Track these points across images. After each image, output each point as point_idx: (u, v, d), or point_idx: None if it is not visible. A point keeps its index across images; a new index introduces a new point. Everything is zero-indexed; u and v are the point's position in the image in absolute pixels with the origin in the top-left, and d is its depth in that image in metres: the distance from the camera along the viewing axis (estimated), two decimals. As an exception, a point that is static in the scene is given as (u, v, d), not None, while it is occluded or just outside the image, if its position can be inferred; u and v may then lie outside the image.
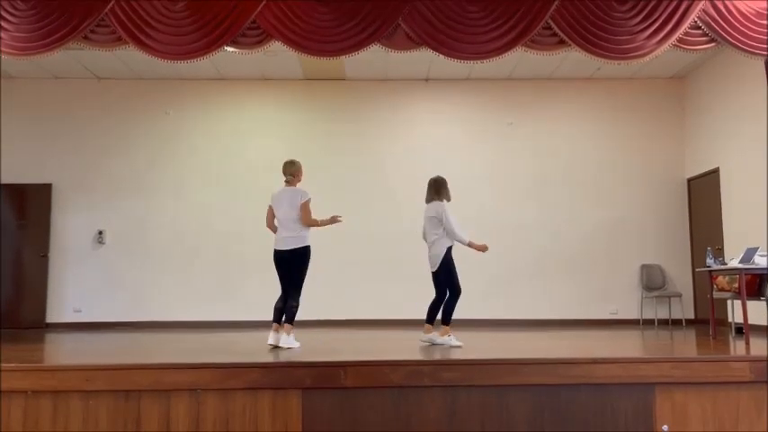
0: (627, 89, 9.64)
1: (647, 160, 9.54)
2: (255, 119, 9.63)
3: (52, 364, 4.48)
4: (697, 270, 8.52)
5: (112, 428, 4.13)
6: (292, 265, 5.67)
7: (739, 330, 6.87)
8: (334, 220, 5.86)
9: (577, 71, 9.25)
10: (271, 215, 5.85)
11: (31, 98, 9.44)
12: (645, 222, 9.44)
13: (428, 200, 6.16)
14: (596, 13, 6.37)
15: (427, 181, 6.23)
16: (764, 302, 6.40)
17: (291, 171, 5.89)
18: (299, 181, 5.94)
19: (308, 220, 5.69)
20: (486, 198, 9.44)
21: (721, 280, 6.58)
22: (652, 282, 9.21)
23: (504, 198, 9.47)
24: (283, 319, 5.62)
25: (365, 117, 9.61)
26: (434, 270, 5.96)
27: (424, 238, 6.17)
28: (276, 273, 5.77)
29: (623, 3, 6.40)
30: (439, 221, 5.94)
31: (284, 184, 5.90)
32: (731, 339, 6.38)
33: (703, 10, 6.34)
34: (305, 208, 5.70)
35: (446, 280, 5.95)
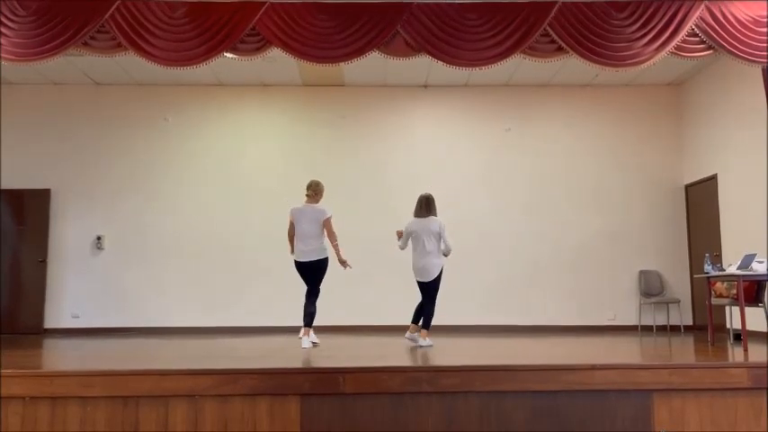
0: (625, 96, 9.67)
1: (645, 166, 9.57)
2: (254, 125, 9.65)
3: (50, 370, 4.46)
4: (695, 276, 8.52)
5: (110, 434, 4.12)
6: (316, 273, 6.44)
7: (737, 337, 6.87)
8: (343, 263, 6.53)
9: (575, 78, 9.28)
10: (292, 227, 6.53)
11: (29, 104, 9.46)
12: (643, 228, 9.45)
13: (426, 215, 6.57)
14: (594, 21, 6.41)
15: (421, 197, 6.67)
16: (762, 309, 6.41)
17: (317, 189, 6.59)
18: (321, 199, 6.61)
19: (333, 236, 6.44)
20: (484, 204, 9.46)
21: (719, 286, 6.58)
22: (650, 288, 9.22)
23: (503, 204, 9.48)
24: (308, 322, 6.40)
25: (364, 123, 9.63)
26: (430, 280, 6.46)
27: (405, 247, 6.67)
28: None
29: (621, 10, 6.44)
30: (440, 236, 6.46)
31: (306, 199, 6.54)
32: (729, 346, 6.39)
33: (701, 17, 6.38)
34: (330, 225, 6.46)
35: (437, 288, 6.53)
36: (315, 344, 6.39)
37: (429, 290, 6.50)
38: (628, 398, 4.31)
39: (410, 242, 6.63)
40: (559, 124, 9.67)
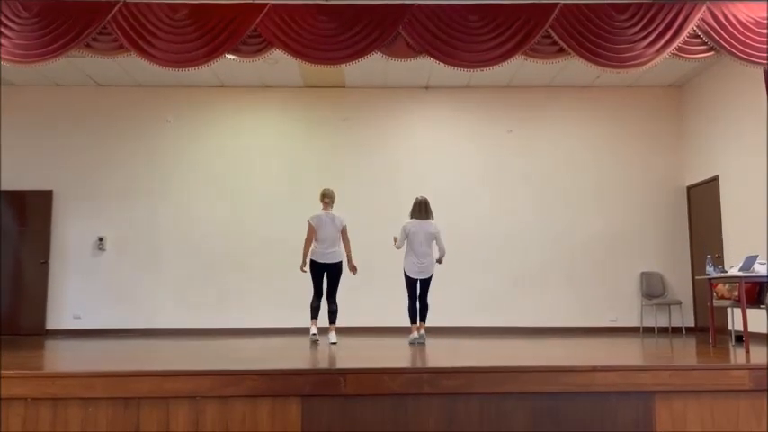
0: (626, 97, 9.67)
1: (647, 168, 9.56)
2: (255, 126, 9.66)
3: (52, 371, 4.48)
4: (697, 278, 8.53)
5: (112, 435, 4.13)
6: (336, 274, 6.92)
7: (739, 338, 6.86)
8: (353, 268, 7.04)
9: (577, 79, 9.28)
10: (312, 235, 6.92)
11: (32, 105, 9.48)
12: (645, 230, 9.45)
13: (425, 217, 6.94)
14: (596, 22, 6.41)
15: (419, 200, 7.02)
16: (764, 310, 6.40)
17: (333, 198, 7.02)
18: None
19: (347, 242, 6.96)
20: (485, 205, 9.46)
21: (721, 288, 6.58)
22: (652, 289, 9.21)
23: (504, 206, 9.48)
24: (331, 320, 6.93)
25: (365, 124, 9.63)
26: (429, 276, 6.91)
27: (420, 249, 6.90)
28: (313, 279, 6.91)
29: (623, 12, 6.44)
30: (434, 237, 6.93)
31: (323, 207, 6.95)
32: (731, 347, 6.38)
33: (702, 19, 6.38)
34: (346, 232, 6.99)
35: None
36: (333, 343, 6.80)
37: (427, 285, 6.95)
38: (629, 399, 4.31)
39: (406, 243, 6.96)
40: (561, 126, 9.67)
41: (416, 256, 6.85)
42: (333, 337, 6.87)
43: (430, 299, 7.01)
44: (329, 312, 6.91)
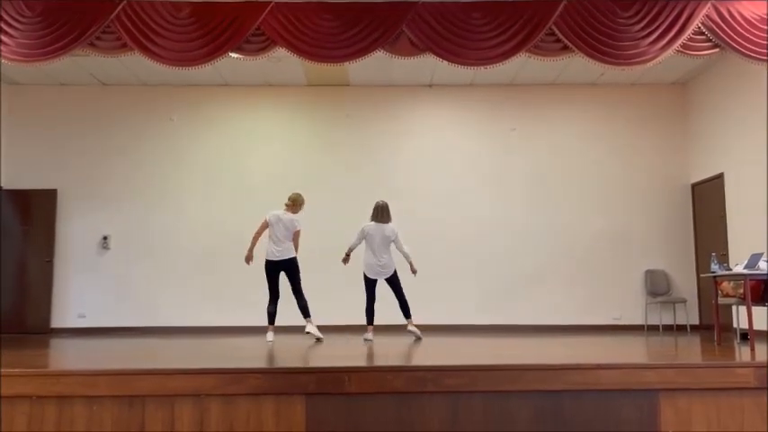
0: (630, 95, 9.64)
1: (651, 165, 9.53)
2: (259, 124, 9.66)
3: (56, 370, 4.48)
4: (702, 275, 8.49)
5: (116, 434, 4.13)
6: (292, 271, 6.90)
7: (744, 336, 6.84)
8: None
9: (581, 77, 9.25)
10: (263, 229, 6.97)
11: (36, 104, 9.50)
12: (649, 228, 9.42)
13: (386, 220, 7.09)
14: (600, 19, 6.39)
15: (379, 205, 7.17)
16: (769, 308, 6.38)
17: (296, 201, 7.01)
18: (299, 210, 7.04)
19: (296, 245, 7.00)
20: (489, 203, 9.45)
21: (726, 285, 6.55)
22: (656, 287, 9.19)
23: (508, 203, 9.47)
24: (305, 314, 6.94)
25: (369, 122, 9.62)
26: (391, 274, 7.05)
27: (377, 251, 7.04)
28: (267, 280, 6.94)
29: (627, 9, 6.42)
30: (392, 241, 7.05)
31: (285, 208, 6.99)
32: (736, 345, 6.36)
33: (707, 15, 6.36)
34: (298, 236, 7.01)
35: (399, 280, 7.13)
36: (319, 339, 6.85)
37: (396, 283, 7.08)
38: (633, 398, 4.29)
39: (364, 243, 7.13)
40: (564, 124, 9.64)
41: (375, 257, 7.01)
42: (313, 330, 6.90)
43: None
44: (300, 308, 6.94)
